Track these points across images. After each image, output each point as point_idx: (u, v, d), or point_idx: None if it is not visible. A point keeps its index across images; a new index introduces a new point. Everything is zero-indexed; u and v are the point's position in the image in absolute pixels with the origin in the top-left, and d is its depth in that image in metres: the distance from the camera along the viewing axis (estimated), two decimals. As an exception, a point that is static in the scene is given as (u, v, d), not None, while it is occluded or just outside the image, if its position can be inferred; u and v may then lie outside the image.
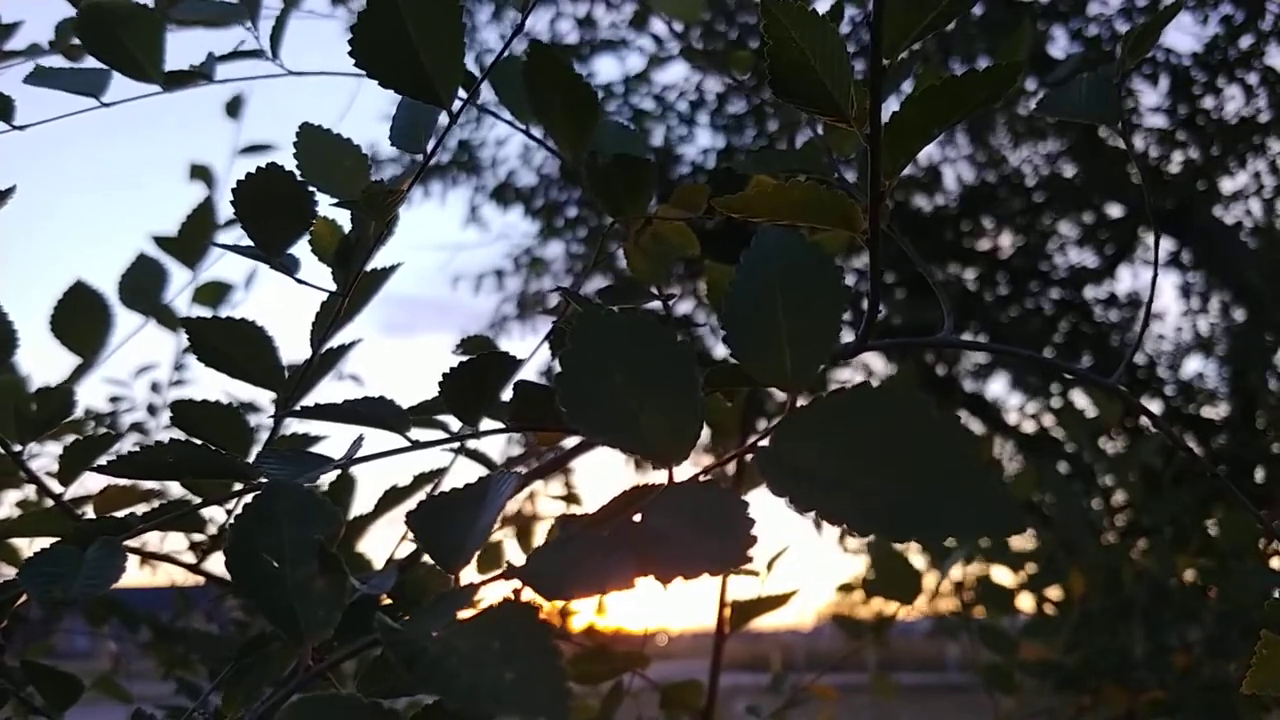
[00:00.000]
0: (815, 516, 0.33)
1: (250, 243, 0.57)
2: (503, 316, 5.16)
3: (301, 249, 0.59)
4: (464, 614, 0.33)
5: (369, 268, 0.61)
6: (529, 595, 0.33)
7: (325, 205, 0.58)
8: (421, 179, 0.59)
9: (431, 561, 0.39)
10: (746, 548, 0.32)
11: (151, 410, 1.43)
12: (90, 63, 0.70)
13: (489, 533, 0.37)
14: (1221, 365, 4.43)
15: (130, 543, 0.50)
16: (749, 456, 0.38)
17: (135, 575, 1.37)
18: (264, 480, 0.50)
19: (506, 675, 0.28)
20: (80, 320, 0.85)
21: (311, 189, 0.56)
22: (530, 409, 0.55)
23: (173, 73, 0.71)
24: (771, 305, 0.40)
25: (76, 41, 0.79)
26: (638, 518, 0.36)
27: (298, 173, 0.57)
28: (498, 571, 0.35)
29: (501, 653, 0.29)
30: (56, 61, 0.78)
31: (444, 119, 0.56)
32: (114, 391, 1.45)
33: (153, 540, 1.09)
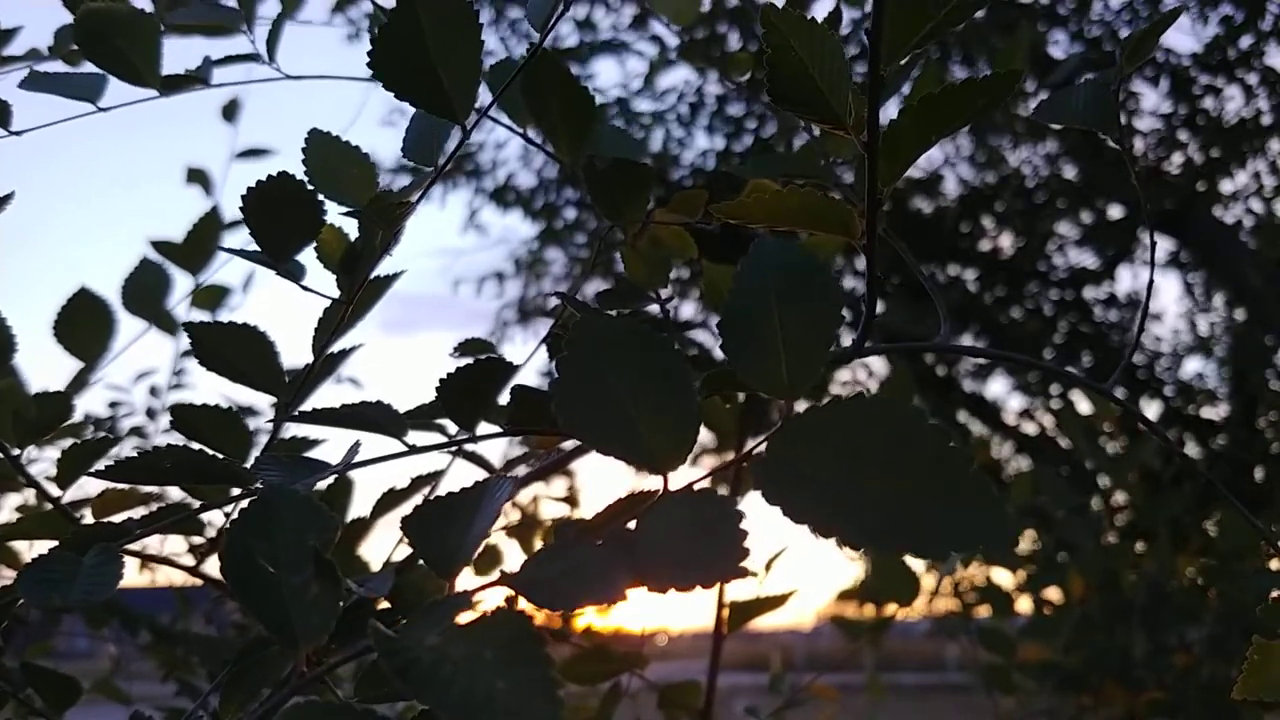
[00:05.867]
0: (810, 528, 0.33)
1: (257, 248, 0.57)
2: (503, 321, 5.16)
3: (306, 255, 0.60)
4: (459, 620, 0.33)
5: (373, 274, 0.61)
6: (523, 603, 0.34)
7: (333, 213, 0.58)
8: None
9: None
10: (740, 559, 0.32)
11: (150, 414, 1.43)
12: (88, 67, 0.70)
13: (484, 538, 0.37)
14: (1221, 366, 4.43)
15: (130, 545, 0.50)
16: (746, 462, 0.38)
17: (135, 577, 1.37)
18: (261, 485, 0.50)
19: (499, 684, 0.29)
20: (83, 325, 0.85)
21: (321, 196, 0.56)
22: (527, 413, 0.56)
23: (169, 77, 0.71)
24: (768, 313, 0.40)
25: (76, 47, 0.79)
26: (633, 525, 0.36)
27: (306, 179, 0.57)
28: (492, 578, 0.35)
29: (494, 661, 0.29)
30: (55, 67, 0.78)
31: (457, 133, 0.56)
32: (113, 396, 1.46)
33: (152, 543, 1.10)
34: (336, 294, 0.60)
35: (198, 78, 0.73)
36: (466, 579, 0.38)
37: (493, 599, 0.36)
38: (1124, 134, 0.62)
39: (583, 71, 4.43)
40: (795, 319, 0.40)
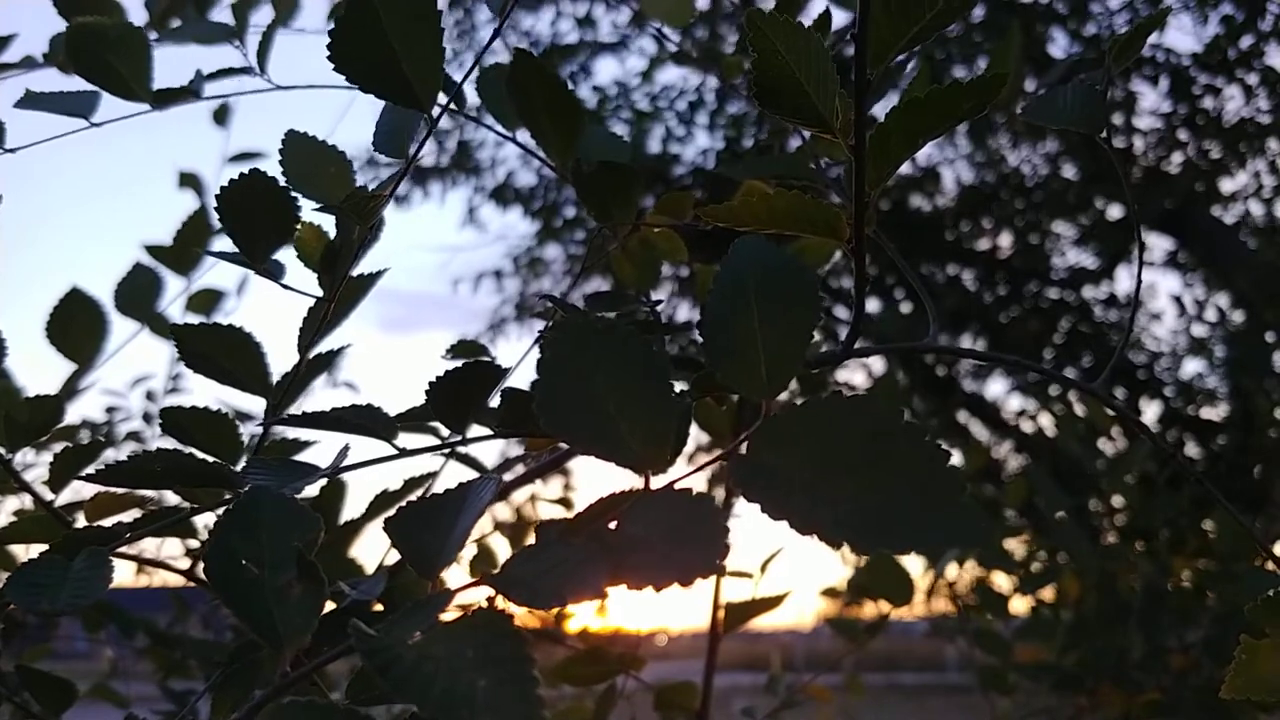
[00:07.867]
0: (788, 525, 0.33)
1: (236, 249, 0.58)
2: (501, 319, 5.16)
3: (289, 255, 0.60)
4: (442, 619, 0.33)
5: (357, 272, 0.61)
6: (505, 602, 0.34)
7: (311, 211, 0.58)
8: (421, 180, 0.59)
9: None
10: (720, 557, 0.32)
11: (147, 419, 1.44)
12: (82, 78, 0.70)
13: (467, 538, 0.38)
14: (1217, 367, 4.42)
15: (127, 549, 0.50)
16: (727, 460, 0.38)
17: (132, 580, 1.38)
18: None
19: (480, 682, 0.29)
20: (76, 327, 0.85)
21: (295, 194, 0.57)
22: (518, 415, 0.56)
23: (162, 91, 0.71)
24: (747, 313, 0.40)
25: (68, 58, 0.80)
26: (614, 524, 0.36)
27: (282, 179, 0.57)
28: (474, 578, 0.36)
29: (475, 660, 0.30)
30: (50, 74, 0.79)
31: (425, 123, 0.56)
32: (110, 401, 1.46)
33: (149, 546, 1.10)
34: (319, 292, 0.60)
35: (190, 91, 0.73)
36: (458, 579, 0.39)
37: (477, 599, 0.37)
38: (1112, 134, 0.62)
39: (583, 71, 4.43)
40: (774, 319, 0.40)
